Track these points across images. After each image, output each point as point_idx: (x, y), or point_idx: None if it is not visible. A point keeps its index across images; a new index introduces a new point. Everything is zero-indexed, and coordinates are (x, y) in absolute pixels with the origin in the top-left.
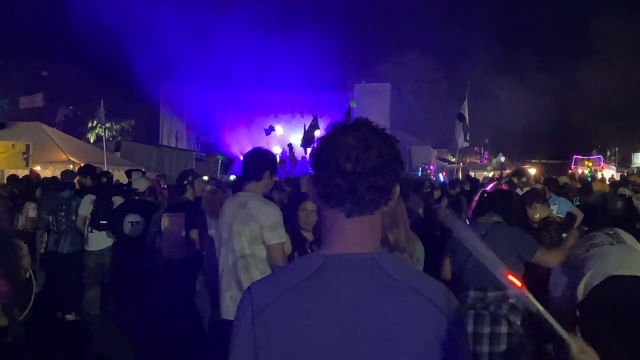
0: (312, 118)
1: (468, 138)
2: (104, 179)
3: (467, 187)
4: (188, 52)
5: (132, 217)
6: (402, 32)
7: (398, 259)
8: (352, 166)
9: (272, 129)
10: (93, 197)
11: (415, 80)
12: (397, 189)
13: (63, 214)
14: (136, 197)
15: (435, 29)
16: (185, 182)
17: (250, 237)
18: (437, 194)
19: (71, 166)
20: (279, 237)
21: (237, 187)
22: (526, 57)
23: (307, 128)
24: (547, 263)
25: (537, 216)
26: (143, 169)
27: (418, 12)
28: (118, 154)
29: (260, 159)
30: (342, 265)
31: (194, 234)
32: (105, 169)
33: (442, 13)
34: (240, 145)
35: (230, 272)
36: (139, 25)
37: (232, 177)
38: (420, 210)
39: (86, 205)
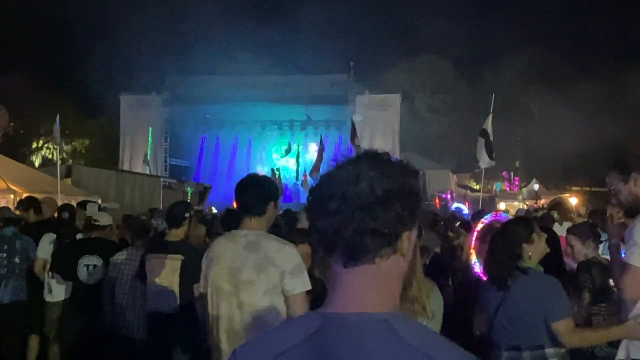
0: (304, 135)
1: (494, 156)
2: (65, 214)
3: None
4: (154, 56)
5: (88, 260)
6: (414, 32)
7: (415, 322)
8: (337, 205)
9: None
10: (53, 236)
11: (430, 91)
12: (406, 233)
13: (4, 255)
14: (92, 235)
15: (455, 28)
16: (187, 215)
17: (267, 287)
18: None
19: (12, 196)
20: (304, 284)
21: (230, 222)
22: (566, 64)
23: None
24: (565, 341)
25: (582, 257)
26: (99, 200)
27: (434, 9)
28: (69, 180)
29: (261, 188)
30: (345, 328)
31: (198, 288)
32: (60, 200)
33: (463, 10)
34: (219, 169)
35: (238, 333)
36: (94, 25)
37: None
38: (437, 249)
39: (45, 246)
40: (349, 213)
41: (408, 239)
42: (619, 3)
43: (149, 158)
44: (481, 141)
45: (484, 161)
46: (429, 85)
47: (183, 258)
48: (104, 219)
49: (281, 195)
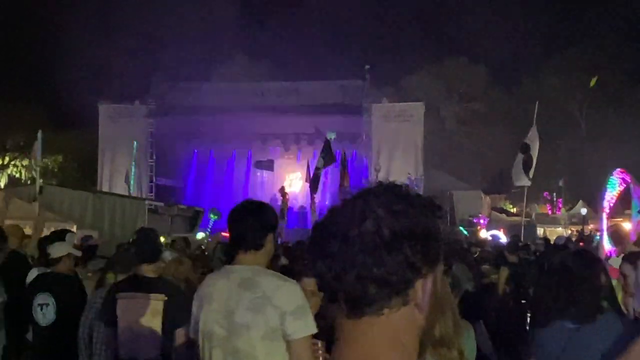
0: (312, 150)
1: (531, 174)
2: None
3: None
4: (138, 60)
5: (41, 298)
6: (440, 31)
7: None
8: (337, 246)
9: (269, 164)
10: (46, 270)
11: (459, 99)
12: (419, 281)
13: None
14: (49, 270)
15: (488, 27)
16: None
17: (265, 331)
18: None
19: None
20: (308, 326)
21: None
22: (617, 66)
23: (316, 164)
24: None
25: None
26: (74, 227)
27: (463, 5)
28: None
29: (259, 217)
30: None
31: (181, 335)
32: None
33: (498, 6)
34: (212, 190)
35: None
36: (68, 24)
37: (200, 235)
38: (470, 286)
39: None
40: (350, 256)
41: (423, 288)
42: None
43: (132, 178)
44: (519, 157)
45: (519, 178)
46: (458, 92)
47: (166, 299)
48: (56, 251)
49: (283, 220)
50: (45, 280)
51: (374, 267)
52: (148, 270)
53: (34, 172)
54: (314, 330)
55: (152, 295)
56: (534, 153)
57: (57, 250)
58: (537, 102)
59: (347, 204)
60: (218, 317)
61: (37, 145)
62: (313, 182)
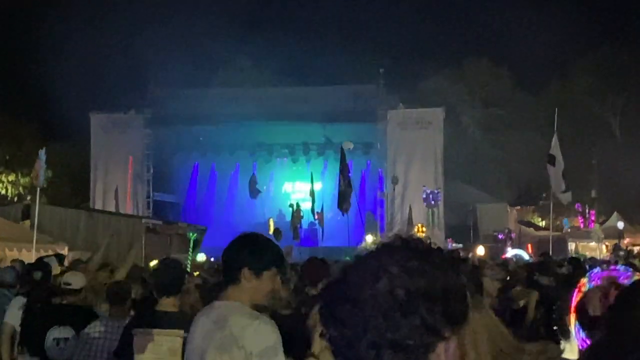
0: (322, 161)
1: (563, 188)
2: (39, 274)
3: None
4: (133, 66)
5: (58, 332)
6: (460, 31)
7: None
8: (348, 311)
9: (255, 186)
10: (23, 300)
11: (481, 104)
12: (441, 344)
13: None
14: (63, 301)
15: (513, 25)
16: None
17: None
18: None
19: None
20: None
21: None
22: None
23: (339, 182)
24: None
25: None
26: (66, 248)
27: (485, 1)
28: (27, 222)
29: (236, 252)
30: None
31: None
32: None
33: (522, 3)
34: (215, 206)
35: None
36: (56, 27)
37: (201, 257)
38: None
39: (14, 312)
40: (362, 321)
41: (446, 352)
42: None
43: (129, 194)
44: (551, 170)
45: (562, 195)
46: (480, 96)
47: (185, 335)
48: (77, 281)
49: (297, 233)
50: (64, 313)
51: (388, 331)
52: (167, 304)
53: (10, 188)
54: None
55: (170, 331)
56: (559, 165)
57: (77, 280)
58: (556, 109)
59: (360, 263)
60: (194, 356)
61: (40, 164)
62: (340, 201)
